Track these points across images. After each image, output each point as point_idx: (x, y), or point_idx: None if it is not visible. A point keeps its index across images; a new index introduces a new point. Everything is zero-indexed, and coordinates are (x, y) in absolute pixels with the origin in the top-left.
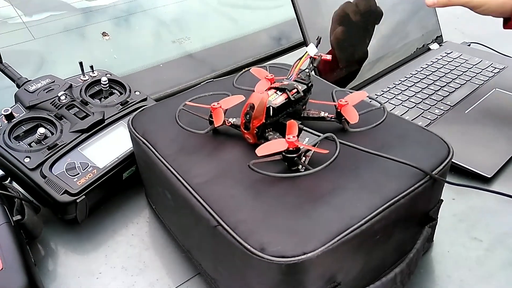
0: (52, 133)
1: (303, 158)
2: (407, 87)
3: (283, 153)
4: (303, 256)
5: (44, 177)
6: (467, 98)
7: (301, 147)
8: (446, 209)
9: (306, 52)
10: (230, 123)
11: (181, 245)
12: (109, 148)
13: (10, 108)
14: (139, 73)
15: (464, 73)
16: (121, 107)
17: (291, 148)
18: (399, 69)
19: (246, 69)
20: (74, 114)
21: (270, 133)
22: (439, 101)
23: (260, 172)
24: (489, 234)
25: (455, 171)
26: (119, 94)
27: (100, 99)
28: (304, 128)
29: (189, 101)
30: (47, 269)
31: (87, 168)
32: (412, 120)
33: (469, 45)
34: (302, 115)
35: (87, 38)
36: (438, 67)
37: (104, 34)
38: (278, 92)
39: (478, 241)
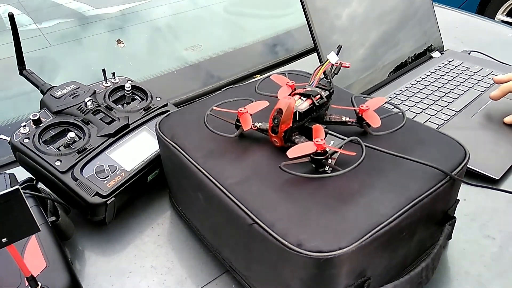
0: (80, 138)
1: (330, 160)
2: (413, 93)
3: (312, 155)
4: (338, 251)
5: (75, 179)
6: (471, 104)
7: (328, 150)
8: (459, 209)
9: (328, 59)
10: (256, 127)
11: (208, 245)
12: (134, 151)
13: (38, 113)
14: (154, 79)
15: (466, 80)
16: (144, 112)
17: (319, 151)
18: (403, 77)
19: (266, 75)
20: (101, 119)
21: (297, 136)
22: (444, 106)
23: (292, 173)
24: (501, 232)
25: (465, 174)
26: (140, 100)
27: (123, 105)
28: (329, 131)
29: (216, 107)
30: (79, 269)
31: (116, 171)
32: None
33: (469, 53)
34: (325, 119)
35: (102, 45)
36: (441, 74)
37: (119, 41)
38: (303, 97)
39: (491, 239)
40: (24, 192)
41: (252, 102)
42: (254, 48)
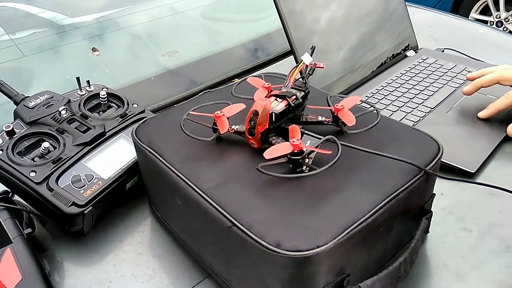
0: (55, 147)
1: (307, 160)
2: (389, 92)
3: (288, 156)
4: (317, 250)
5: (51, 190)
6: (446, 100)
7: (304, 149)
8: (436, 203)
9: (302, 61)
10: (233, 130)
11: (190, 250)
12: (111, 159)
13: (11, 124)
14: (131, 86)
15: (441, 77)
16: (121, 119)
17: (296, 151)
18: (379, 76)
19: (243, 78)
20: (76, 128)
21: (273, 137)
22: (420, 104)
23: (269, 174)
24: (478, 224)
25: (441, 168)
26: (116, 107)
27: (99, 113)
28: (306, 131)
29: (192, 111)
30: (58, 281)
31: (93, 180)
32: None
33: (443, 51)
34: (301, 120)
35: (77, 54)
36: (416, 72)
37: (94, 49)
38: (278, 99)
39: (468, 231)
40: None
41: (229, 105)
42: (232, 52)
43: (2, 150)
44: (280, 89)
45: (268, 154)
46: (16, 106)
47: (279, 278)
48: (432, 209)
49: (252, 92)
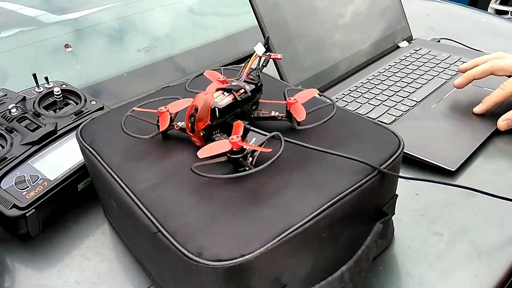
0: (3, 147)
1: (250, 159)
2: (374, 85)
3: (228, 154)
4: (240, 259)
5: None
6: (434, 93)
7: (246, 148)
8: (408, 205)
9: (255, 52)
10: (178, 127)
11: (134, 255)
12: (61, 159)
13: None
14: (102, 83)
15: (432, 69)
16: (75, 117)
17: (235, 149)
18: (366, 68)
19: (199, 72)
20: (25, 127)
21: (218, 135)
22: (405, 97)
23: (201, 175)
24: (450, 228)
25: (420, 166)
26: (74, 105)
27: (55, 110)
28: (251, 128)
29: (138, 107)
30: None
31: (37, 181)
32: (377, 117)
33: (439, 41)
34: (252, 115)
35: (51, 51)
36: (406, 64)
37: (66, 46)
38: (225, 93)
39: (439, 235)
40: None
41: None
42: (210, 48)
43: None
44: (231, 83)
45: (203, 152)
46: None
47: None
48: (401, 211)
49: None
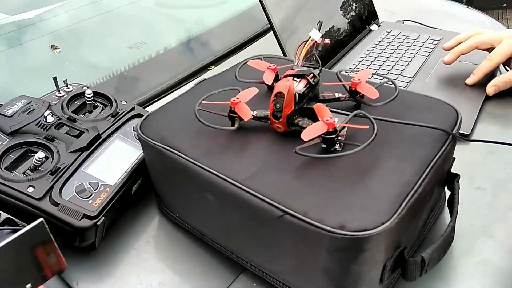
0: (47, 157)
1: (339, 138)
2: (367, 65)
3: (323, 135)
4: (382, 226)
5: (56, 204)
6: (421, 69)
7: (337, 127)
8: None
9: (310, 37)
10: (253, 116)
11: (220, 248)
12: (112, 163)
13: None
14: (105, 83)
15: (410, 47)
16: (113, 119)
17: (330, 129)
18: (352, 51)
19: (244, 62)
20: (66, 133)
21: (299, 119)
22: (399, 74)
23: (312, 156)
24: (488, 182)
25: None
26: (103, 107)
27: (84, 114)
28: (331, 109)
29: (204, 100)
30: None
31: (99, 188)
32: None
33: (403, 23)
34: (319, 99)
35: (36, 53)
36: (386, 45)
37: (53, 47)
38: (296, 79)
39: (482, 190)
40: (4, 229)
41: (239, 91)
42: (202, 39)
43: None
44: (292, 69)
45: (306, 135)
46: None
47: (338, 261)
48: None
49: (252, 75)
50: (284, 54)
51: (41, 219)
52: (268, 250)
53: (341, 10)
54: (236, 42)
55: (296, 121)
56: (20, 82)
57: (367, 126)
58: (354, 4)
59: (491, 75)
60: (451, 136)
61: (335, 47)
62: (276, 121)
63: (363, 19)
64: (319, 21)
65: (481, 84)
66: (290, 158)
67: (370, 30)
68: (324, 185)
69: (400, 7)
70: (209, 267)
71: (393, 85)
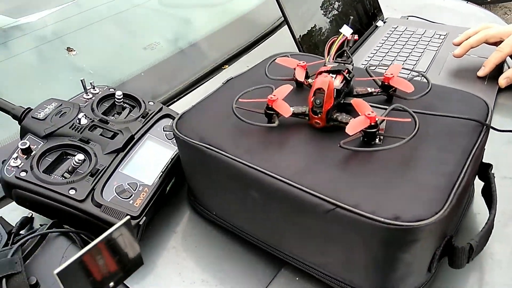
0: (85, 160)
1: (379, 132)
2: (378, 61)
3: (365, 129)
4: (436, 216)
5: (99, 205)
6: (432, 64)
7: (378, 121)
8: None
9: (341, 33)
10: (292, 112)
11: (261, 244)
12: (147, 163)
13: (26, 140)
14: (123, 84)
15: (418, 43)
16: (143, 120)
17: (372, 123)
18: (361, 48)
19: (272, 59)
20: (101, 135)
21: (337, 114)
22: (411, 70)
23: (359, 150)
24: None
25: None
26: (130, 108)
27: (114, 115)
28: (370, 104)
29: (240, 98)
30: None
31: (138, 188)
32: None
33: (407, 19)
34: (353, 94)
35: (51, 56)
36: (394, 40)
37: (69, 49)
38: (331, 74)
39: (508, 179)
40: (53, 231)
41: (273, 89)
42: (214, 38)
43: (26, 171)
44: (325, 65)
45: (350, 129)
46: (18, 121)
47: (392, 251)
48: None
49: (281, 72)
50: (300, 50)
51: (128, 216)
52: (314, 243)
53: (351, 6)
54: (246, 41)
55: (334, 116)
56: (36, 85)
57: (409, 119)
58: (361, 1)
59: (499, 68)
60: (485, 126)
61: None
62: (316, 116)
63: (370, 16)
64: (349, 17)
65: (492, 77)
66: (333, 152)
67: (377, 27)
68: (372, 178)
69: (401, 2)
70: (249, 263)
71: (424, 79)
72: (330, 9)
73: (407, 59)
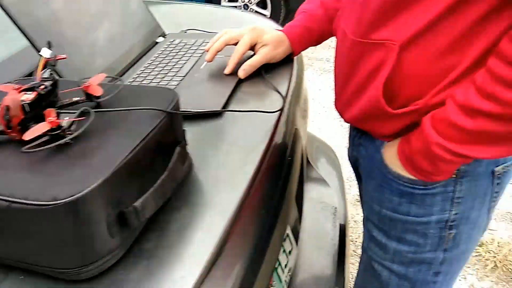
0: None
1: (69, 132)
2: (147, 73)
3: (49, 133)
4: (85, 191)
5: None
6: (193, 68)
7: (63, 124)
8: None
9: (42, 56)
10: None
11: None
12: None
13: None
14: None
15: (187, 52)
16: None
17: (54, 127)
18: (138, 63)
19: None
20: None
21: (34, 125)
22: (174, 75)
23: (29, 151)
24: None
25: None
26: None
27: None
28: (61, 111)
29: None
30: None
31: None
32: None
33: (186, 32)
34: (58, 105)
35: None
36: (167, 53)
37: None
38: (28, 92)
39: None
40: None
41: None
42: None
43: None
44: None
45: (28, 135)
46: None
47: (65, 227)
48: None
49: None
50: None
51: None
52: (14, 241)
53: (118, 29)
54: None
55: (31, 127)
56: None
57: (84, 118)
58: (134, 24)
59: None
60: (166, 113)
61: (121, 61)
62: (10, 131)
63: (147, 34)
64: (48, 41)
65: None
66: (23, 157)
67: (156, 43)
68: (46, 171)
69: (187, 19)
70: None
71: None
72: (97, 39)
73: (172, 67)
